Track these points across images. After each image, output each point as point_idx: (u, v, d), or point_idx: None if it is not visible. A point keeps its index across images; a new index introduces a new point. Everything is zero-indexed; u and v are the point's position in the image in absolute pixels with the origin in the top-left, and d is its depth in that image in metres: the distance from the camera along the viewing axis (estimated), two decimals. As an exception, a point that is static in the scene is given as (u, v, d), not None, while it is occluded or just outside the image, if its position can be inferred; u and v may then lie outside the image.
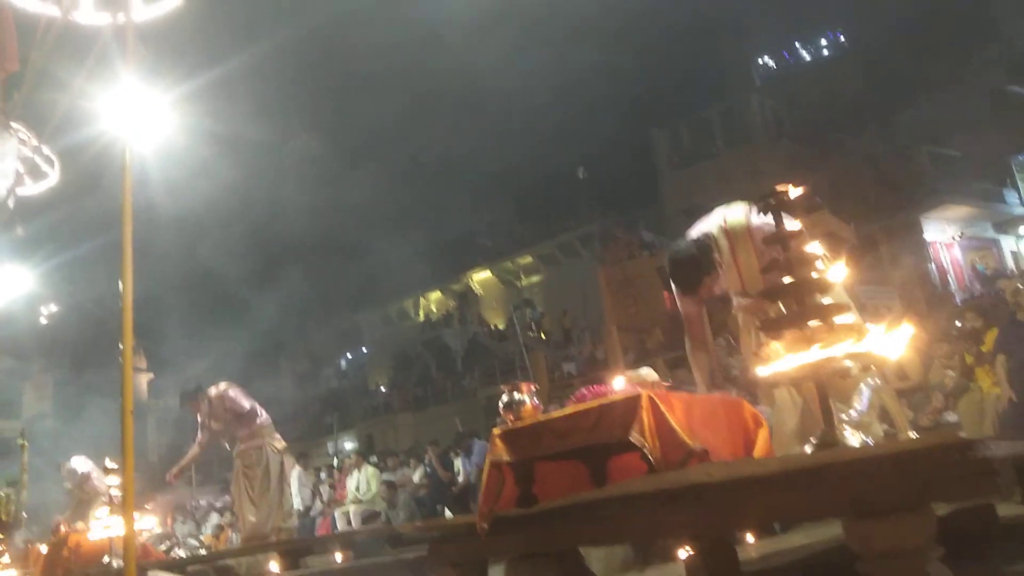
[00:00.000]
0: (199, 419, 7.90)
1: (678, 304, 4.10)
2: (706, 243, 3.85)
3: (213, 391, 7.86)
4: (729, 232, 3.84)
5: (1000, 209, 19.92)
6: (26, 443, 9.03)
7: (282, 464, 8.00)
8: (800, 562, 4.01)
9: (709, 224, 3.95)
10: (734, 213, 3.88)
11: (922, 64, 22.88)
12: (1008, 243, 20.28)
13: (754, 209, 3.73)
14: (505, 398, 3.60)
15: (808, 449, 2.97)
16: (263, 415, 7.99)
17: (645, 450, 3.03)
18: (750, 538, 4.74)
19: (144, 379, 28.82)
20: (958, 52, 22.29)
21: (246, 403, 7.86)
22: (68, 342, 19.05)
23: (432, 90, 26.31)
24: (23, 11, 6.56)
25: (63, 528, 7.69)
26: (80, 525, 7.70)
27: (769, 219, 3.20)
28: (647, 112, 25.82)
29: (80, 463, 9.20)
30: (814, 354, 2.78)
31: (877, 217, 18.07)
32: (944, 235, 18.98)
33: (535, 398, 3.60)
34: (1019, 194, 19.97)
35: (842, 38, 27.20)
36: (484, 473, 3.56)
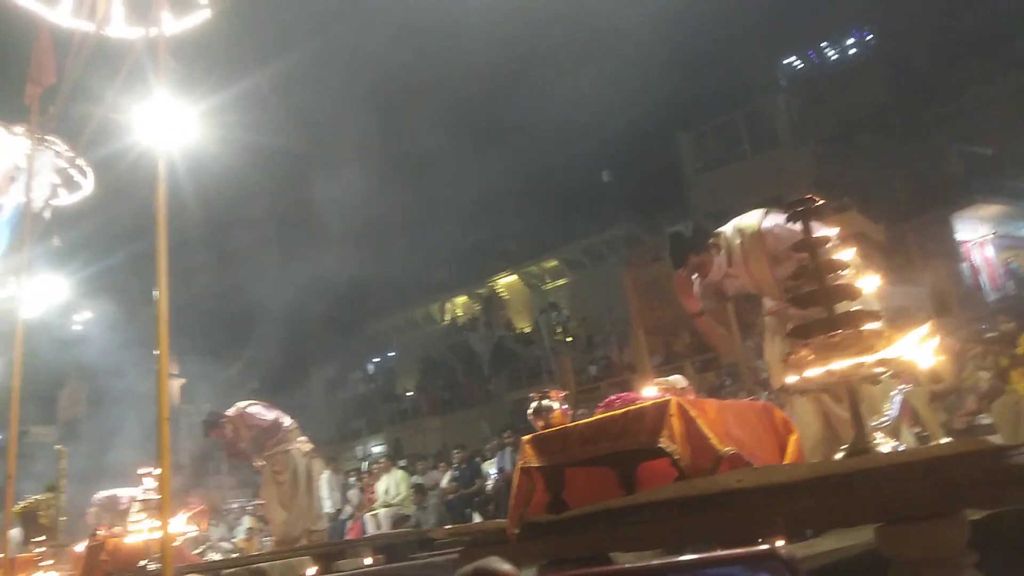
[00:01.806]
0: (224, 442, 7.95)
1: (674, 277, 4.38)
2: (703, 228, 4.18)
3: (232, 412, 7.86)
4: (742, 233, 3.99)
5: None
6: (64, 448, 9.20)
7: (310, 467, 8.05)
8: (832, 566, 3.98)
9: (725, 227, 4.13)
10: (748, 218, 4.06)
11: (951, 62, 22.56)
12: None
13: (770, 215, 3.86)
14: (534, 404, 3.63)
15: (839, 456, 2.96)
16: (288, 421, 8.01)
17: (674, 456, 3.04)
18: (780, 542, 4.71)
19: (176, 384, 29.20)
20: (988, 49, 21.95)
21: (268, 415, 7.86)
22: (102, 349, 19.41)
23: (460, 97, 26.31)
24: (58, 27, 6.75)
25: (101, 532, 7.81)
26: (118, 529, 7.82)
27: (783, 222, 3.27)
28: (673, 114, 25.57)
29: (97, 499, 9.22)
30: (843, 361, 2.78)
31: (908, 217, 17.85)
32: (976, 234, 18.69)
33: (565, 404, 3.63)
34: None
35: (869, 37, 26.85)
36: (514, 478, 3.59)
